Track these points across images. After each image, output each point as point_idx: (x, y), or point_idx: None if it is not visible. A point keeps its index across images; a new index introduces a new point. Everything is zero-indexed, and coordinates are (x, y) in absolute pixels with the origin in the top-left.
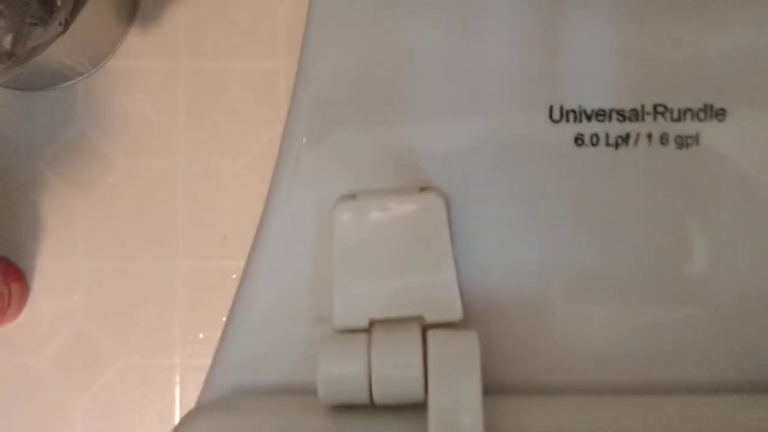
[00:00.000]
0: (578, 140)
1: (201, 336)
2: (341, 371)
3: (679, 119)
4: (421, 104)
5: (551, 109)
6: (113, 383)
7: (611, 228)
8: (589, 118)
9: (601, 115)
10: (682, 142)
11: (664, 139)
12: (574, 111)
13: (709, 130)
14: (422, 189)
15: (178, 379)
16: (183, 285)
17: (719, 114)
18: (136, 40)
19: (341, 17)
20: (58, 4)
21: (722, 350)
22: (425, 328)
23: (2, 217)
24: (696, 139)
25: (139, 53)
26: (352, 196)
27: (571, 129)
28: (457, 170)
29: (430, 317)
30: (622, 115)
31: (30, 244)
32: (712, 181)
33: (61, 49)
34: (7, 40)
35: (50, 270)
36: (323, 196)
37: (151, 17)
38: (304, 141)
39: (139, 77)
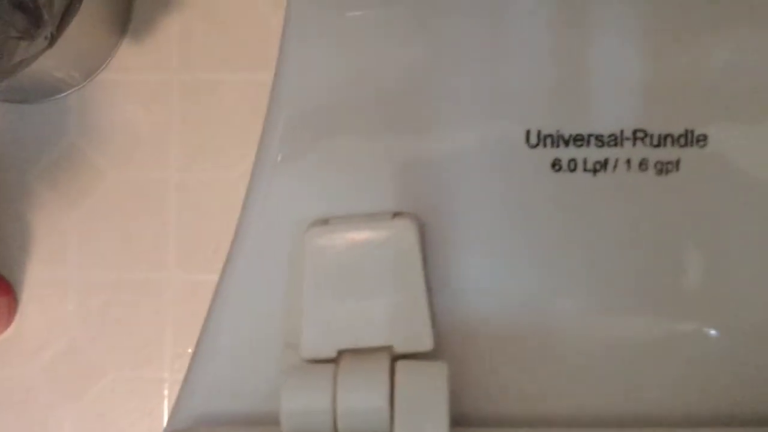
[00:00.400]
0: (555, 165)
1: (190, 350)
2: (305, 405)
3: (659, 145)
4: (396, 127)
5: (528, 133)
6: (103, 395)
7: (589, 255)
8: (566, 143)
9: (579, 140)
10: (662, 168)
11: (643, 164)
12: (551, 136)
13: (689, 156)
14: (396, 214)
15: (166, 393)
16: (174, 297)
17: (700, 140)
18: (128, 53)
19: (317, 35)
20: (45, 18)
21: (701, 380)
22: (395, 359)
23: None
24: (676, 165)
25: (132, 65)
26: (325, 221)
27: (548, 154)
28: (432, 195)
29: (401, 347)
30: (600, 141)
31: (20, 256)
32: (692, 208)
33: (52, 62)
34: None
35: (41, 281)
36: (296, 219)
37: (143, 29)
38: (277, 163)
39: (131, 89)
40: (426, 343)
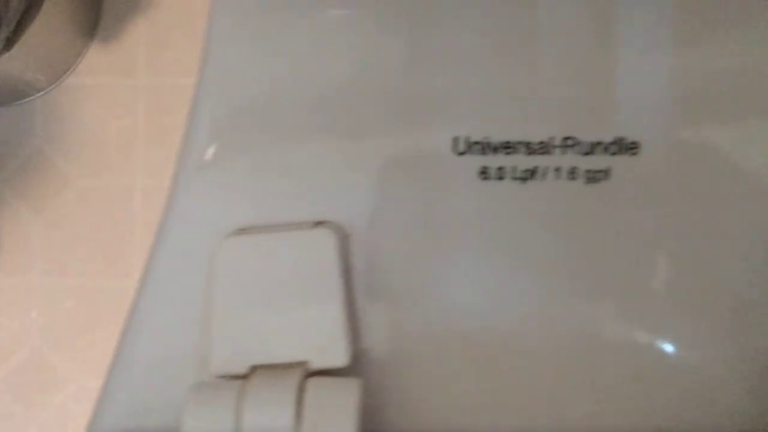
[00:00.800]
0: (484, 173)
1: None
2: (207, 424)
3: (589, 153)
4: (320, 133)
5: (456, 140)
6: (67, 405)
7: (518, 265)
8: (495, 150)
9: (507, 147)
10: (592, 176)
11: (573, 173)
12: (479, 143)
13: (620, 164)
14: (318, 223)
15: None
16: None
17: (631, 148)
18: (96, 57)
19: (240, 39)
20: (1, 22)
21: (625, 393)
22: (309, 375)
23: None
24: (607, 173)
25: (99, 70)
26: (241, 231)
27: (476, 162)
28: (358, 203)
29: (316, 363)
30: (529, 148)
31: None
32: (623, 217)
33: (16, 66)
34: None
35: (5, 288)
36: (216, 228)
37: (111, 34)
38: (198, 170)
39: (98, 94)
40: (341, 359)
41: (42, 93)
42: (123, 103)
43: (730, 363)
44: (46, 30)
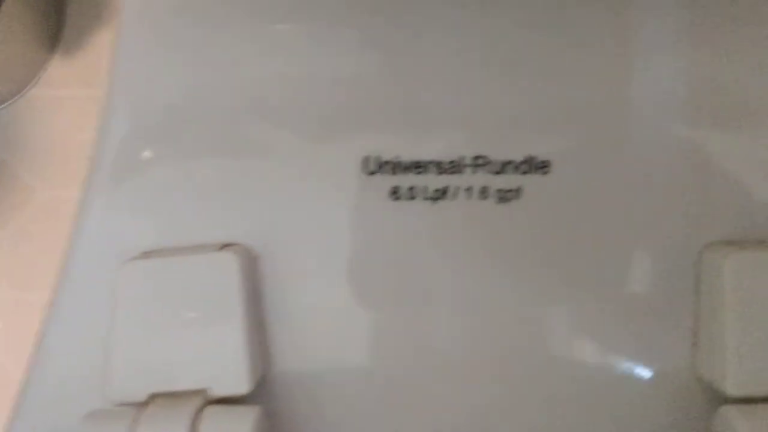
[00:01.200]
0: (394, 193)
1: None
2: None
3: (500, 172)
4: (229, 154)
5: (366, 160)
6: None
7: (429, 286)
8: (406, 170)
9: (418, 167)
10: (503, 195)
11: (484, 192)
12: (390, 162)
13: (531, 183)
14: (224, 246)
15: None
16: None
17: (542, 167)
18: (59, 68)
19: (145, 61)
20: None
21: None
22: (209, 403)
23: None
24: (518, 192)
25: (62, 81)
26: (145, 255)
27: (387, 182)
28: (267, 224)
29: (216, 391)
30: (440, 168)
31: None
32: (533, 236)
33: None
34: None
35: None
36: (122, 252)
37: (74, 45)
38: (105, 191)
39: (61, 106)
40: (243, 386)
41: (4, 105)
42: (86, 115)
43: (643, 376)
44: (7, 42)
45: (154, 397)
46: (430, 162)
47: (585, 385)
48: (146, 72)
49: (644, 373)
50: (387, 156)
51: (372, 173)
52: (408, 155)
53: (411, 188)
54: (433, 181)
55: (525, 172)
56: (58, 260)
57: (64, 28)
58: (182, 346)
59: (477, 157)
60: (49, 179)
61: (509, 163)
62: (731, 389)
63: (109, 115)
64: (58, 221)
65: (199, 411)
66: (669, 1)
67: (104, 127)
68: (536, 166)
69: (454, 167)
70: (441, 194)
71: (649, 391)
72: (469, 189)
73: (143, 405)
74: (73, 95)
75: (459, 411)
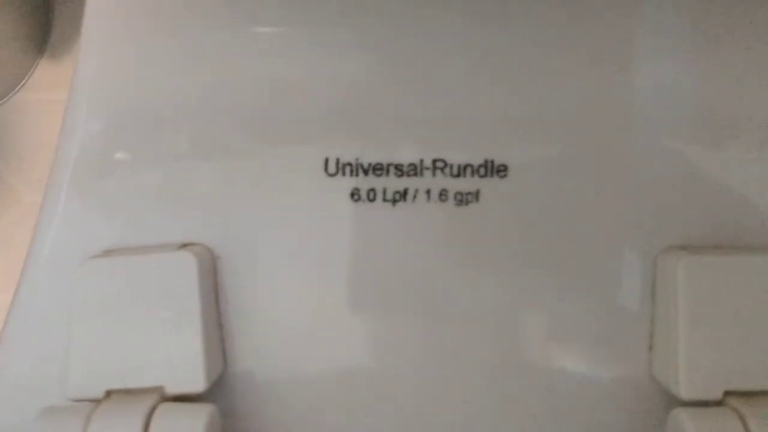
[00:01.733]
0: (354, 195)
1: None
2: None
3: (458, 175)
4: (190, 154)
5: (327, 161)
6: None
7: (387, 286)
8: (366, 172)
9: (378, 169)
10: (462, 198)
11: (443, 195)
12: (350, 164)
13: (489, 186)
14: (185, 245)
15: None
16: None
17: (500, 170)
18: (45, 73)
19: (109, 57)
20: None
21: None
22: (165, 400)
23: None
24: (476, 195)
25: (48, 85)
26: (105, 253)
27: (347, 183)
28: (228, 225)
29: (172, 388)
30: (400, 170)
31: None
32: (492, 240)
33: None
34: None
35: None
36: (83, 251)
37: (60, 50)
38: (67, 190)
39: (47, 110)
40: (198, 384)
41: None
42: None
43: (602, 379)
44: None
45: (110, 394)
46: (390, 164)
47: (543, 386)
48: (108, 73)
49: (603, 375)
50: (347, 158)
51: (332, 175)
52: (368, 157)
53: (371, 190)
54: (393, 183)
55: (483, 176)
56: None
57: (51, 33)
58: (140, 344)
59: (436, 161)
60: (34, 183)
61: (468, 166)
62: (684, 392)
63: (72, 116)
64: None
65: (154, 408)
66: (634, 10)
67: (67, 128)
68: (494, 169)
69: (413, 170)
70: (401, 196)
71: (608, 394)
72: (428, 191)
73: (99, 401)
74: (59, 99)
75: (418, 404)
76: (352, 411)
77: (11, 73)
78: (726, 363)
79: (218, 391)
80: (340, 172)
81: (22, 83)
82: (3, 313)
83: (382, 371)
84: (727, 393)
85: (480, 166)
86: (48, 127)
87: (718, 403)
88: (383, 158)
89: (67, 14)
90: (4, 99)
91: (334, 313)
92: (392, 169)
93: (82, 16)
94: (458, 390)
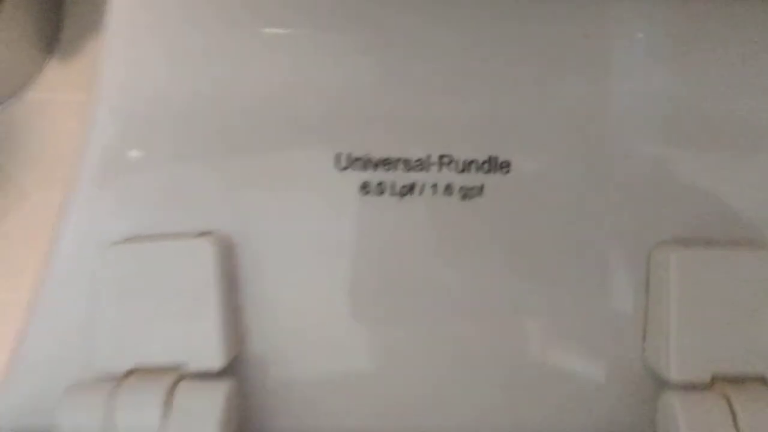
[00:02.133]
0: (364, 188)
1: None
2: (78, 422)
3: (463, 170)
4: (211, 147)
5: (338, 156)
6: None
7: (395, 277)
8: (375, 166)
9: (387, 163)
10: (466, 193)
11: (448, 189)
12: (360, 159)
13: (492, 182)
14: (201, 234)
15: None
16: None
17: (503, 166)
18: (55, 73)
19: (135, 53)
20: None
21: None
22: (184, 378)
23: None
24: (480, 190)
25: (57, 86)
26: (127, 240)
27: (357, 177)
28: (245, 215)
29: (191, 366)
30: (408, 165)
31: None
32: (495, 233)
33: None
34: None
35: None
36: (105, 239)
37: (70, 50)
38: (90, 182)
39: (56, 109)
40: (216, 362)
41: (1, 106)
42: (82, 119)
43: (597, 366)
44: (5, 45)
45: (132, 372)
46: (399, 159)
47: (541, 373)
48: (131, 70)
49: (599, 362)
50: (358, 153)
51: (344, 169)
52: (378, 152)
53: (380, 183)
54: (401, 177)
55: (487, 172)
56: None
57: (62, 33)
58: (161, 325)
59: (442, 156)
60: (42, 182)
61: (472, 162)
62: (674, 374)
63: (96, 111)
64: (50, 221)
65: (175, 383)
66: (630, 19)
67: (90, 122)
68: (498, 165)
69: (420, 164)
70: (408, 190)
71: (603, 380)
72: (434, 186)
73: (122, 378)
74: (69, 99)
75: (419, 393)
76: (362, 389)
77: (21, 73)
78: (713, 348)
79: (233, 370)
80: (351, 166)
81: (32, 83)
82: (12, 309)
83: (389, 353)
84: (715, 379)
85: (484, 162)
86: (57, 127)
87: (706, 387)
88: (392, 153)
89: (77, 15)
90: (14, 98)
91: (344, 297)
92: (400, 164)
93: (92, 17)
94: (457, 375)
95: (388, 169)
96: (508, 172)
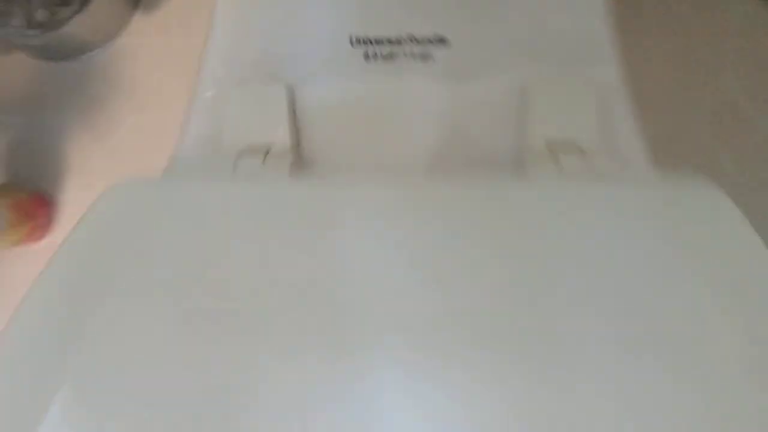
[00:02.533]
0: (366, 56)
1: None
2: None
3: (420, 43)
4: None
5: (351, 37)
6: None
7: (389, 98)
8: (371, 43)
9: (378, 41)
10: (423, 57)
11: (413, 55)
12: (363, 38)
13: (436, 51)
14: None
15: None
16: None
17: (442, 41)
18: (140, 22)
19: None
20: None
21: None
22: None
23: (38, 156)
24: (432, 56)
25: (143, 32)
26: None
27: (362, 50)
28: (299, 71)
29: None
30: (389, 41)
31: (56, 177)
32: (441, 79)
33: (81, 27)
34: (40, 14)
35: (73, 201)
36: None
37: (152, 3)
38: (205, 100)
39: (143, 51)
40: None
41: (100, 49)
42: (161, 58)
43: None
44: (100, 3)
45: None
46: (385, 38)
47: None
48: (241, 18)
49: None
50: (361, 35)
51: (355, 44)
52: (373, 34)
53: (375, 53)
54: (386, 49)
55: (433, 44)
56: (141, 168)
57: None
58: None
59: (409, 36)
60: (134, 107)
61: (426, 39)
62: None
63: (209, 55)
64: (142, 142)
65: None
66: None
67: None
68: (439, 40)
69: (398, 41)
70: (391, 56)
71: None
72: (405, 54)
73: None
74: (150, 42)
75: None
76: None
77: (115, 23)
78: None
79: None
80: (359, 43)
81: (122, 31)
82: None
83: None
84: None
85: (431, 38)
86: (142, 64)
87: None
88: (380, 35)
89: None
90: (110, 43)
91: (361, 110)
92: (385, 41)
93: None
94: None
95: (379, 44)
96: (446, 45)
